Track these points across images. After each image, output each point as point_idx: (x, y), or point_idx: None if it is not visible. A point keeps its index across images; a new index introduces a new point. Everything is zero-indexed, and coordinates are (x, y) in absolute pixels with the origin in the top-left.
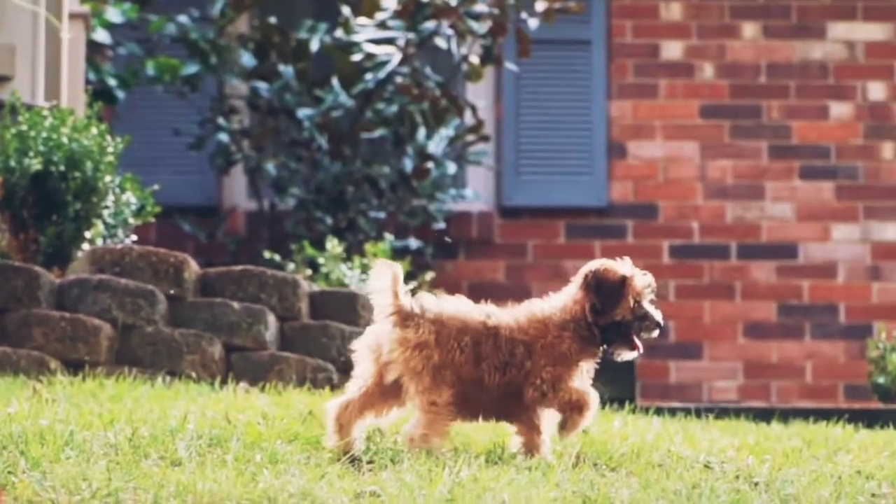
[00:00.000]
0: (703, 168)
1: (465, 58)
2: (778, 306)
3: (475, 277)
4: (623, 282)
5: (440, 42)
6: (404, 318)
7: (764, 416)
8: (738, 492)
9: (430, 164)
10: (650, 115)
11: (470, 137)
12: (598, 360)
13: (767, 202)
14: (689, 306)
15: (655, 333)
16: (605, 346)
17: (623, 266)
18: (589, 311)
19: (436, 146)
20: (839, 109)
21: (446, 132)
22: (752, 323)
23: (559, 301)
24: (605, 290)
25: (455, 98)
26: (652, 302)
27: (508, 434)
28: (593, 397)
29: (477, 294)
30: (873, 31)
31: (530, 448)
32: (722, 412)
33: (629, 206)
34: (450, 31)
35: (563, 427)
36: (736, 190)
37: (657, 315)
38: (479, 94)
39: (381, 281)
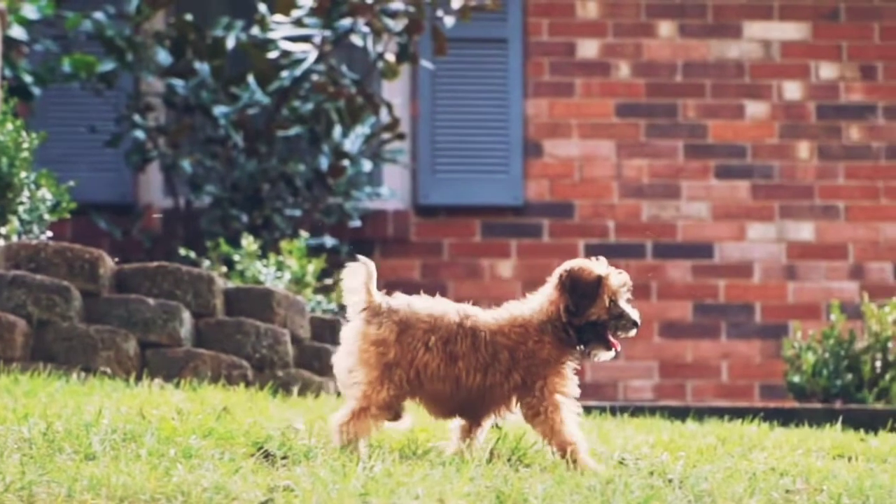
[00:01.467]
0: (619, 167)
1: (381, 55)
2: (693, 305)
3: (391, 276)
4: (598, 281)
5: (356, 40)
6: (373, 315)
7: (679, 414)
8: (653, 488)
9: (345, 162)
10: (566, 114)
11: (386, 135)
12: (578, 361)
13: (683, 201)
14: None
15: (633, 332)
16: (581, 347)
17: (598, 265)
18: (563, 312)
19: (351, 144)
20: (755, 109)
21: (362, 130)
22: (667, 322)
23: (536, 302)
24: (580, 290)
25: (371, 96)
26: (628, 301)
27: (424, 430)
28: (580, 442)
29: (392, 293)
30: (789, 31)
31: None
32: (637, 410)
33: (545, 204)
34: (366, 29)
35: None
36: (651, 189)
37: (634, 314)
38: (395, 91)
39: (355, 278)
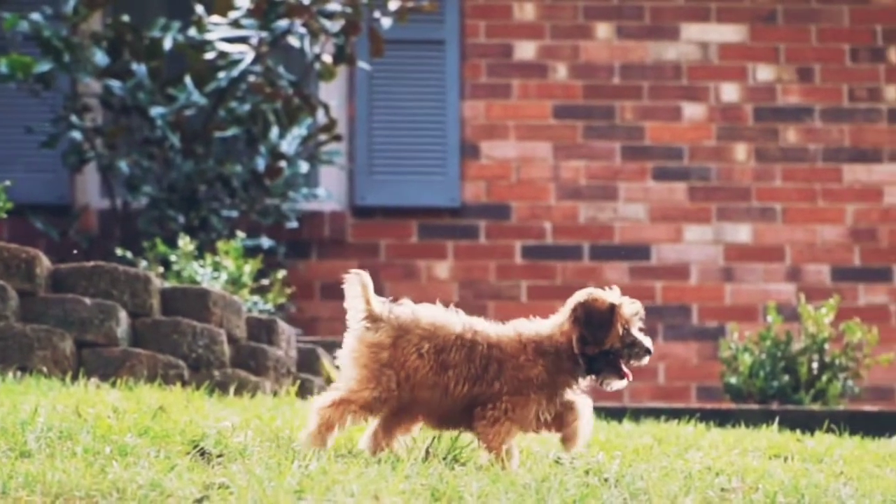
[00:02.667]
0: (556, 168)
1: (317, 57)
2: None
3: (328, 277)
4: (611, 310)
5: (293, 41)
6: (372, 321)
7: (615, 414)
8: (588, 486)
9: (282, 164)
10: (503, 116)
11: (322, 137)
12: (582, 389)
13: (620, 203)
14: (541, 307)
15: (646, 360)
16: (593, 376)
17: (611, 294)
18: (577, 342)
19: (288, 145)
20: (692, 110)
21: (299, 131)
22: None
23: (546, 327)
24: (594, 321)
25: (308, 97)
26: (641, 329)
27: (359, 429)
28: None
29: (329, 294)
30: (727, 33)
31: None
32: None
33: (482, 206)
34: (303, 30)
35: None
36: (589, 191)
37: (646, 342)
38: (331, 93)
39: (353, 290)
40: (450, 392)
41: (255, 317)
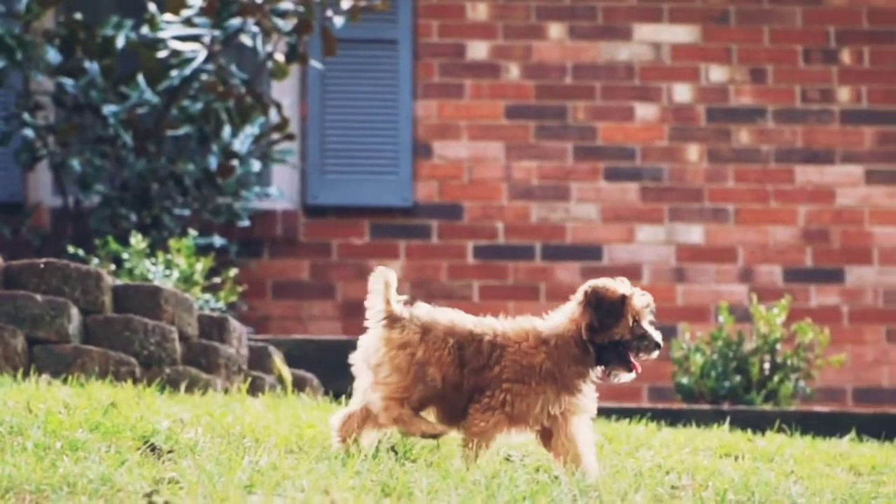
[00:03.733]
0: (508, 168)
1: (270, 55)
2: None
3: (279, 276)
4: (622, 300)
5: (246, 39)
6: (392, 322)
7: None
8: (538, 483)
9: (234, 162)
10: (455, 115)
11: (275, 136)
12: (592, 381)
13: (572, 203)
14: (493, 307)
15: (655, 354)
16: (601, 367)
17: (622, 285)
18: (585, 330)
19: (241, 144)
20: (644, 111)
21: (251, 130)
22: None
23: (555, 319)
24: (605, 308)
25: (260, 96)
26: (651, 322)
27: (310, 426)
28: (481, 456)
29: (280, 293)
30: (679, 34)
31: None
32: None
33: (434, 206)
34: (255, 29)
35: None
36: (541, 191)
37: (656, 335)
38: (284, 92)
39: (376, 286)
40: (463, 388)
41: (207, 314)
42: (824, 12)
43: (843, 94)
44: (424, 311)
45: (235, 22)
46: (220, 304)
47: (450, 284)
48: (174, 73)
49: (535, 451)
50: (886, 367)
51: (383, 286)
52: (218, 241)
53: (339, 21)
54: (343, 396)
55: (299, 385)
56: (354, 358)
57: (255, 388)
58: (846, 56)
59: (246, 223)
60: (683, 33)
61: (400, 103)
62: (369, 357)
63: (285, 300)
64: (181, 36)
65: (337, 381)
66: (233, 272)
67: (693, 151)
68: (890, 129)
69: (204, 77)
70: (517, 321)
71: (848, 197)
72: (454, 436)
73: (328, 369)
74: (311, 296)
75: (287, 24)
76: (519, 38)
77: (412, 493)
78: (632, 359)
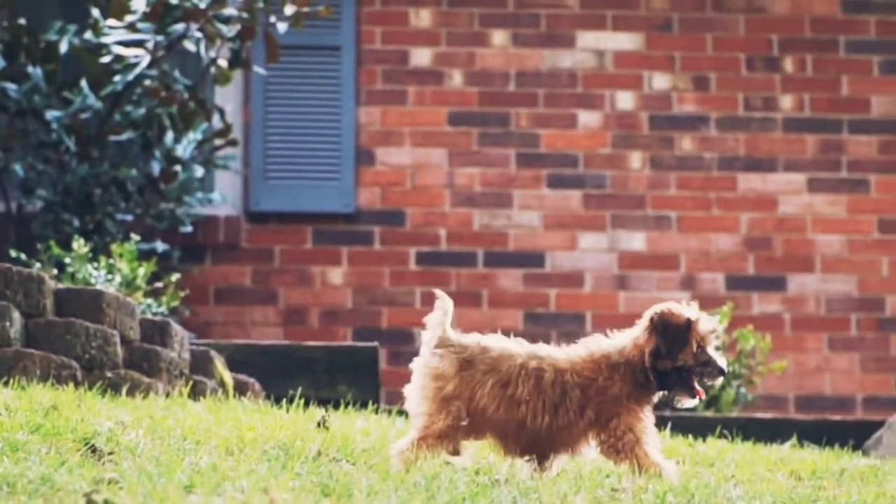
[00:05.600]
0: (451, 175)
1: (213, 61)
2: (524, 314)
3: (222, 282)
4: (688, 325)
5: (189, 45)
6: (441, 349)
7: None
8: (478, 485)
9: (177, 168)
10: (399, 122)
11: (218, 141)
12: (652, 405)
13: (515, 210)
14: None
15: (719, 381)
16: (664, 392)
17: (688, 309)
18: (649, 355)
19: (184, 150)
20: (587, 118)
21: (194, 136)
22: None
23: (619, 341)
24: (671, 333)
25: (203, 101)
26: (717, 348)
27: (250, 428)
28: (669, 470)
29: (222, 298)
30: (622, 41)
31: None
32: None
33: (377, 212)
34: (199, 34)
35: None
36: (483, 197)
37: (721, 361)
38: (227, 97)
39: (435, 314)
40: (528, 426)
41: (149, 319)
42: (767, 20)
43: (786, 102)
44: (473, 341)
45: (179, 27)
46: (163, 309)
47: (392, 291)
48: (117, 78)
49: (476, 454)
50: (828, 374)
51: (442, 314)
52: (160, 246)
53: (282, 27)
54: (284, 400)
55: (241, 389)
56: (409, 385)
57: (196, 392)
58: (789, 64)
59: (188, 229)
60: (626, 41)
61: (343, 110)
62: (416, 386)
63: (227, 306)
64: (125, 41)
65: (278, 386)
66: (175, 277)
67: (636, 159)
68: (832, 137)
69: (147, 82)
70: (580, 348)
71: (790, 205)
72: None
73: (269, 374)
74: (253, 301)
75: (230, 30)
76: (462, 45)
77: (352, 494)
78: (695, 384)
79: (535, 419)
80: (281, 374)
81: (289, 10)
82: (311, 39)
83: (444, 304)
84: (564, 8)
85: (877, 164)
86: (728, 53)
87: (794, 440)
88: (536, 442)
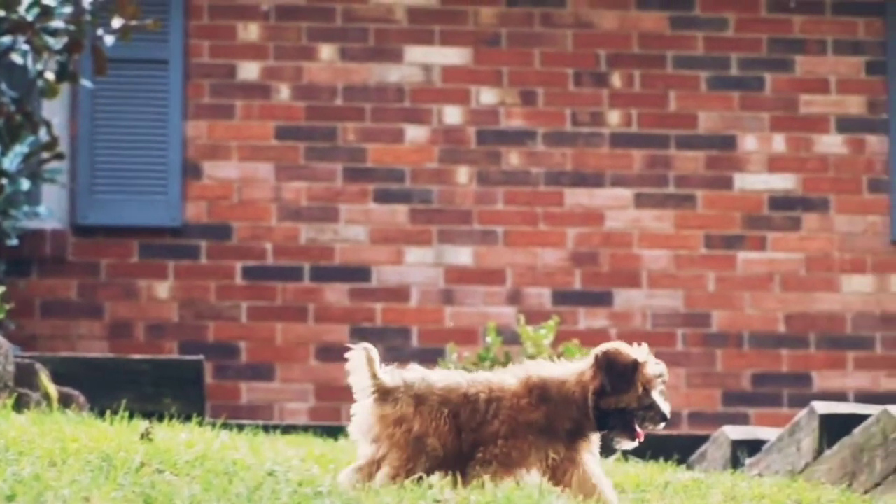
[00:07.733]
0: (278, 189)
1: (40, 74)
2: (351, 329)
3: (48, 295)
4: (635, 366)
5: (16, 57)
6: (384, 395)
7: (332, 432)
8: (301, 496)
9: (3, 181)
10: (226, 136)
11: (45, 155)
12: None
13: (341, 224)
14: (261, 328)
15: (661, 426)
16: (604, 432)
17: (636, 350)
18: (592, 395)
19: (10, 163)
20: (414, 133)
21: (21, 149)
22: (324, 345)
23: (561, 374)
24: (616, 372)
25: (30, 114)
26: (661, 392)
27: (74, 439)
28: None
29: (48, 312)
30: (450, 56)
31: None
32: (290, 428)
33: (203, 226)
34: (26, 47)
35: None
36: (310, 212)
37: (665, 407)
38: (54, 110)
39: (357, 363)
40: (463, 451)
41: None
42: (595, 36)
43: (613, 117)
44: (418, 377)
45: (6, 40)
46: None
47: (218, 305)
48: None
49: (300, 467)
50: None
51: (366, 362)
52: None
53: (109, 40)
54: (108, 413)
55: (66, 401)
56: (350, 429)
57: (20, 405)
58: (616, 79)
59: (14, 242)
60: (454, 55)
61: (170, 123)
62: (365, 432)
63: (53, 319)
64: None
65: (103, 399)
66: (0, 290)
67: (463, 173)
68: (659, 152)
69: None
70: (525, 369)
71: (617, 220)
72: None
73: (95, 386)
74: (79, 315)
75: (58, 43)
76: (290, 59)
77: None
78: (636, 427)
79: (465, 442)
80: (106, 387)
81: (116, 23)
82: (139, 53)
83: (368, 352)
84: (392, 22)
85: (703, 179)
86: (556, 68)
87: (618, 454)
88: (462, 461)
